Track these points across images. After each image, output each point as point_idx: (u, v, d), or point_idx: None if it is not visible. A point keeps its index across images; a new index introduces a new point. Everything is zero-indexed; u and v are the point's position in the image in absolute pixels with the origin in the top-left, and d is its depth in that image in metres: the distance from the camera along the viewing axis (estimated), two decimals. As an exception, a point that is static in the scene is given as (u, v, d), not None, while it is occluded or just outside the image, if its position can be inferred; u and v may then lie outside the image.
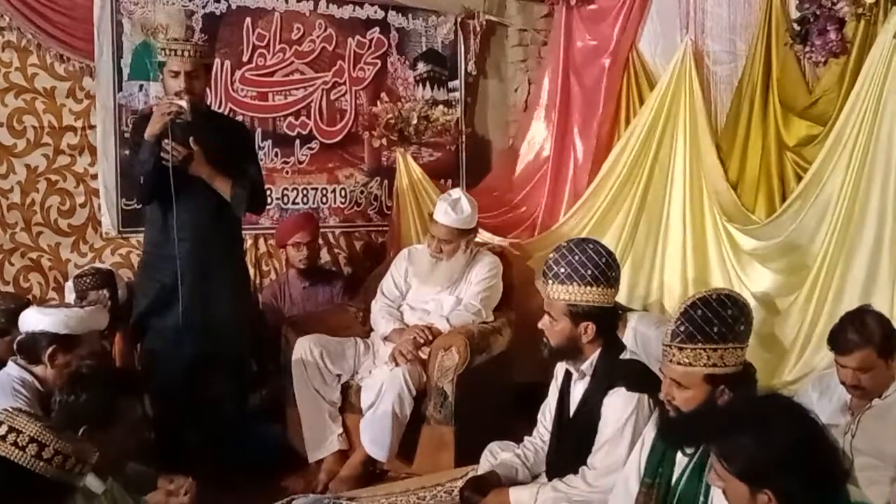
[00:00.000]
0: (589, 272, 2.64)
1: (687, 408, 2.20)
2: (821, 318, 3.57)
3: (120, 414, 2.31)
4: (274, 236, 4.68)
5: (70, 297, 3.93)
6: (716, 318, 2.15)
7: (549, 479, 2.75)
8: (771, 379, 3.59)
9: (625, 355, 2.77)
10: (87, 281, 3.76)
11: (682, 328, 2.17)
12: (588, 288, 2.64)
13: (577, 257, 2.65)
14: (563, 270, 2.65)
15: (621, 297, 4.36)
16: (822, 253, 3.63)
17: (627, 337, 3.70)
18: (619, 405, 2.62)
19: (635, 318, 3.79)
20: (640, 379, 2.63)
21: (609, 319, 2.75)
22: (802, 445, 1.75)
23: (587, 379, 2.74)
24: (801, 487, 1.72)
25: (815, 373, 3.39)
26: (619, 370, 2.68)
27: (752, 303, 2.80)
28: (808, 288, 3.68)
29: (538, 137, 5.04)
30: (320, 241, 4.74)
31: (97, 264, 4.17)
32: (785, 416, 1.81)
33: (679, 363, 2.17)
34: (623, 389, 2.62)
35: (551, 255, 2.72)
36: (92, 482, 2.07)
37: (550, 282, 2.68)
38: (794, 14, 3.81)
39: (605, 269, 2.66)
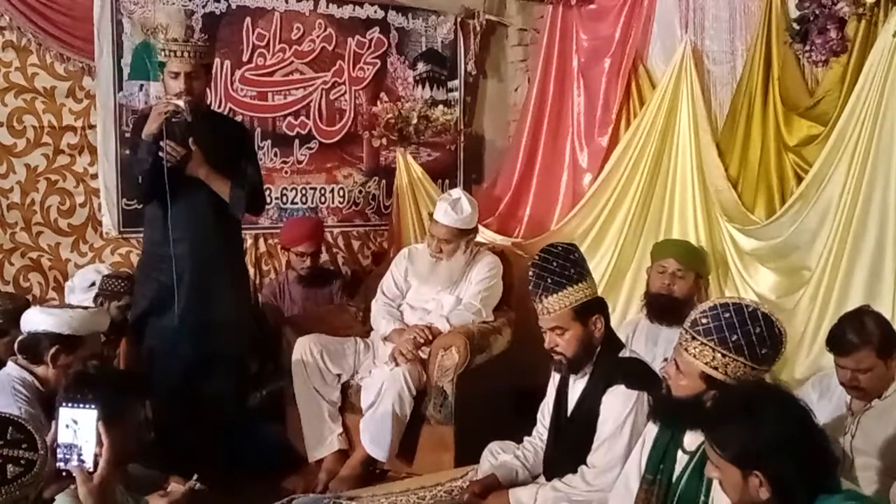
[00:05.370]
0: (574, 271, 2.70)
1: (677, 393, 2.22)
2: (825, 320, 3.55)
3: (124, 415, 2.30)
4: (279, 235, 4.67)
5: (71, 297, 3.92)
6: (741, 328, 2.10)
7: (547, 478, 2.76)
8: (779, 374, 3.55)
9: (624, 353, 2.79)
10: (120, 284, 3.81)
11: (703, 320, 2.15)
12: (579, 285, 2.70)
13: (557, 262, 2.70)
14: (550, 280, 2.69)
15: (623, 297, 4.40)
16: (825, 253, 3.63)
17: None
18: (618, 403, 2.64)
19: None
20: (640, 376, 2.63)
21: (606, 308, 2.80)
22: (790, 429, 1.79)
23: (586, 377, 2.75)
24: (790, 470, 1.76)
25: (821, 374, 3.38)
26: (618, 368, 2.69)
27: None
28: (811, 288, 3.67)
29: (529, 138, 5.03)
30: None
31: (99, 265, 4.17)
32: (773, 402, 1.85)
33: (686, 350, 2.17)
34: (622, 387, 2.63)
35: (532, 273, 2.74)
36: None
37: (544, 296, 2.70)
38: (794, 13, 3.80)
39: (581, 263, 2.76)
